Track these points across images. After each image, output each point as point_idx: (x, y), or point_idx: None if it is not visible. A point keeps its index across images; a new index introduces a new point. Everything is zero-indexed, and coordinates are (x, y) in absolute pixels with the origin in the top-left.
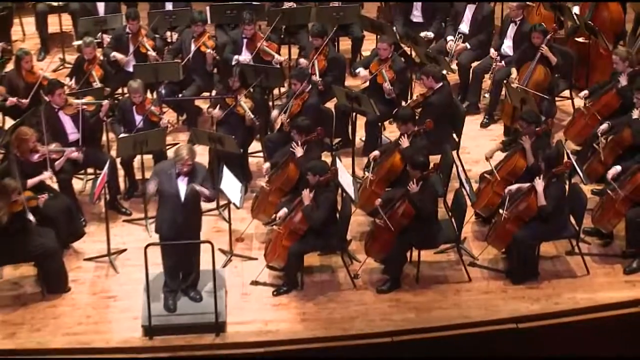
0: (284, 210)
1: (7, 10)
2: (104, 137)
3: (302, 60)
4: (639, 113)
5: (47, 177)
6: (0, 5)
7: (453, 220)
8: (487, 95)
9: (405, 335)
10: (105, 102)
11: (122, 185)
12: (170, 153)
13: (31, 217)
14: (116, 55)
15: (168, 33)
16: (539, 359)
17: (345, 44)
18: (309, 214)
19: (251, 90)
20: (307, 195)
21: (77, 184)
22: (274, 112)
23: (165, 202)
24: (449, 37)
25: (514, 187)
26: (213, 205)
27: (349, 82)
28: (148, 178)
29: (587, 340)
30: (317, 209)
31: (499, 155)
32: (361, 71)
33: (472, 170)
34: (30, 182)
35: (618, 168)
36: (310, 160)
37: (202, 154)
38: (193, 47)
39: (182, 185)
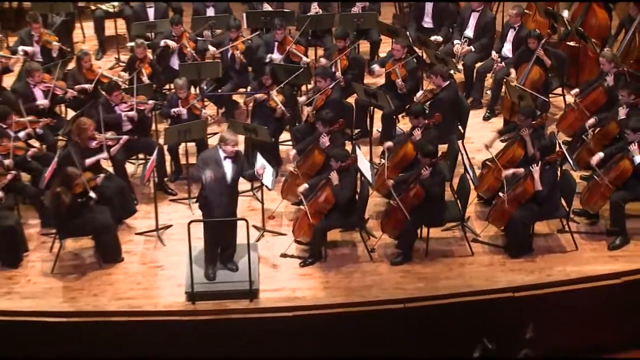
0: (304, 186)
1: (69, 16)
2: (153, 127)
3: (323, 60)
4: (625, 112)
5: (104, 157)
6: (64, 12)
7: (458, 201)
8: (488, 92)
9: (415, 302)
10: (151, 102)
11: (168, 169)
12: (211, 141)
13: (93, 194)
14: (167, 41)
15: (207, 32)
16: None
17: (364, 46)
18: (338, 192)
19: (282, 86)
20: (335, 177)
21: (129, 167)
22: (302, 98)
23: (214, 185)
24: (456, 41)
25: (509, 171)
26: (248, 187)
27: (367, 80)
28: (193, 163)
29: (575, 307)
30: (342, 189)
31: (499, 145)
32: (376, 67)
33: (475, 158)
34: (88, 161)
35: (601, 154)
36: (333, 148)
37: (239, 143)
38: (229, 50)
39: (229, 168)
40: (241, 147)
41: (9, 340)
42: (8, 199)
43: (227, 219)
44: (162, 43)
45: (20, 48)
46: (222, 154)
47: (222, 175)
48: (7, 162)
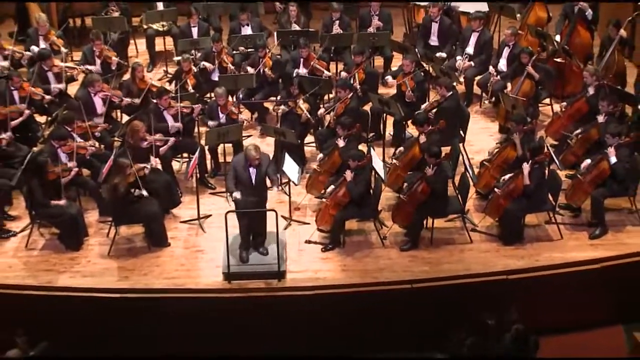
0: (332, 187)
1: (125, 34)
2: (196, 129)
3: (343, 74)
4: (604, 118)
5: (153, 163)
6: (121, 30)
7: (459, 196)
8: (486, 102)
9: (421, 283)
10: (197, 106)
11: (209, 166)
12: (245, 142)
13: (145, 192)
14: (205, 64)
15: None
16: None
17: (378, 61)
18: (353, 188)
19: (307, 95)
20: (349, 175)
21: (175, 164)
22: (321, 110)
23: (242, 185)
24: (458, 57)
25: (506, 177)
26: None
27: (381, 90)
28: (230, 162)
29: (560, 287)
30: (357, 186)
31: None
32: (389, 78)
33: (474, 159)
34: (137, 166)
35: (588, 161)
36: (351, 149)
37: (269, 144)
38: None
39: (253, 173)
40: (271, 148)
41: (71, 313)
42: (71, 191)
43: (257, 209)
44: (201, 65)
45: (85, 67)
46: (247, 163)
47: (248, 178)
48: (71, 164)
